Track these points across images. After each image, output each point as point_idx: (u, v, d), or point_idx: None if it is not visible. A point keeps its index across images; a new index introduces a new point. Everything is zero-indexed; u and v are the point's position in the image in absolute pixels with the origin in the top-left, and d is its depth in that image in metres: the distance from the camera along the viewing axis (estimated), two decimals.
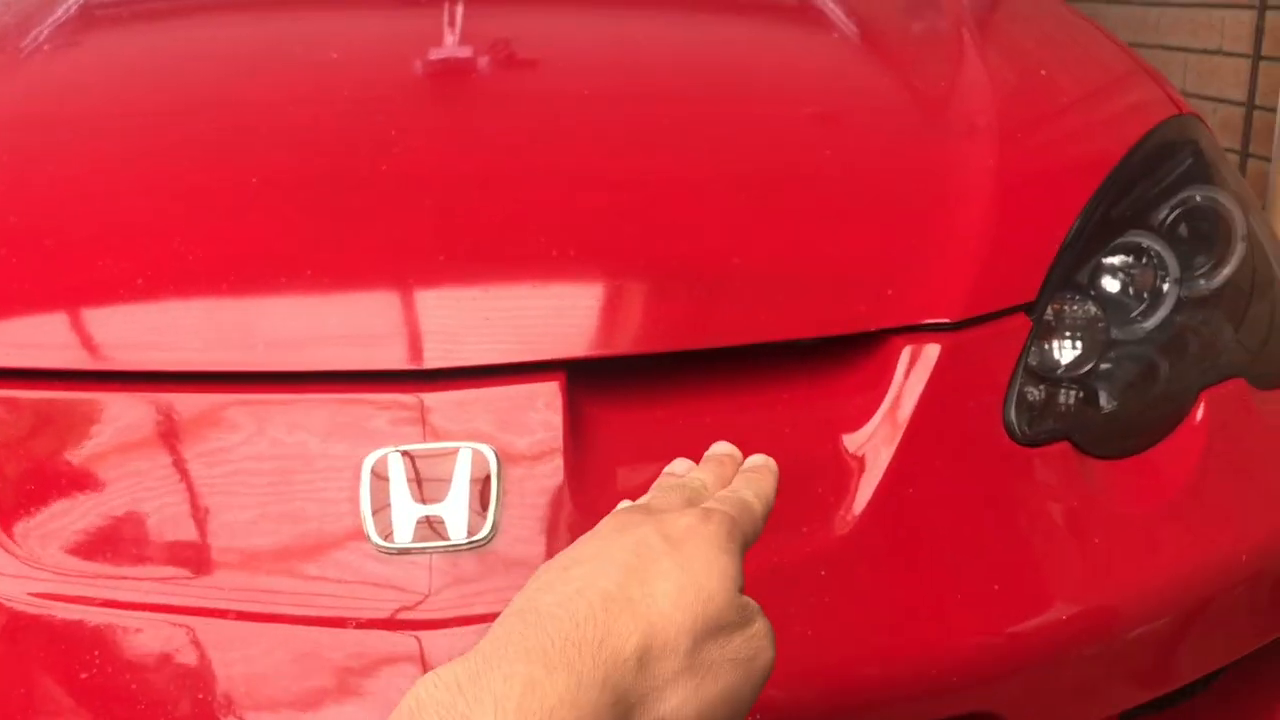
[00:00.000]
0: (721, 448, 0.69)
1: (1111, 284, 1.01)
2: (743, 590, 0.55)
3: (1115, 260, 1.01)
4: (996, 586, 0.83)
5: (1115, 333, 0.97)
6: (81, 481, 0.79)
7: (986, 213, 0.96)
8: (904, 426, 0.85)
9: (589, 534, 0.57)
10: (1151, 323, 0.99)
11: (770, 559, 0.80)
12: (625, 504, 0.63)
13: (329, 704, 0.72)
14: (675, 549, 0.54)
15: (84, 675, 0.73)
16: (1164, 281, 1.01)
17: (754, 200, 0.97)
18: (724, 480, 0.65)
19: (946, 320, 0.89)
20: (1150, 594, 0.87)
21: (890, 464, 0.84)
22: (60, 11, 1.36)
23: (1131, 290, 1.01)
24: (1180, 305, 1.00)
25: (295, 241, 0.88)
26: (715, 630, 0.52)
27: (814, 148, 1.05)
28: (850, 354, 0.89)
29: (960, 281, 0.91)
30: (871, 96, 1.17)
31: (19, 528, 0.77)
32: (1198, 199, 1.08)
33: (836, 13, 1.41)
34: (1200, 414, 0.95)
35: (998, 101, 1.13)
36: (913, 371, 0.88)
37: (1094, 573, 0.86)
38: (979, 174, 0.99)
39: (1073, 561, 0.86)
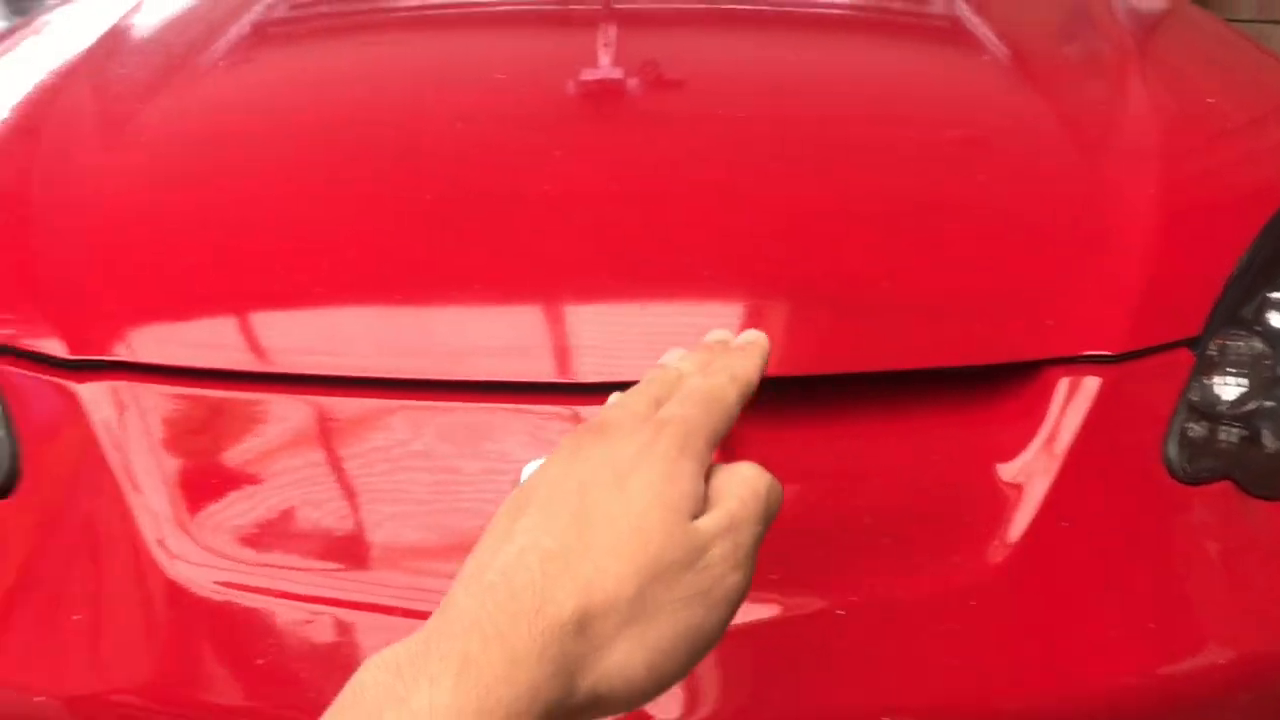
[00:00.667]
0: (716, 334, 0.67)
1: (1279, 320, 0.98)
2: (699, 503, 0.53)
3: None
4: (1151, 626, 0.81)
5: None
6: (259, 478, 0.84)
7: (1150, 243, 0.95)
8: (1060, 459, 0.84)
9: (548, 459, 0.55)
10: None
11: (919, 587, 0.80)
12: (613, 397, 0.61)
13: None
14: (620, 484, 0.51)
15: (260, 662, 0.77)
16: None
17: (907, 225, 0.97)
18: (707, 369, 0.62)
19: (1107, 353, 0.88)
20: None
21: (1045, 496, 0.83)
22: (234, 30, 1.43)
23: None
24: None
25: (463, 255, 0.92)
26: (659, 571, 0.49)
27: (969, 172, 1.04)
28: (1005, 384, 0.88)
29: (1122, 313, 0.90)
30: (1027, 121, 1.16)
31: (201, 518, 0.82)
32: None
33: (988, 35, 1.40)
34: None
35: (1160, 127, 1.11)
36: (1070, 404, 0.86)
37: (1253, 617, 0.84)
38: (1142, 203, 0.97)
39: (1231, 604, 0.84)
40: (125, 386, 0.86)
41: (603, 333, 0.88)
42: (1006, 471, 0.85)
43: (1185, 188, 1.01)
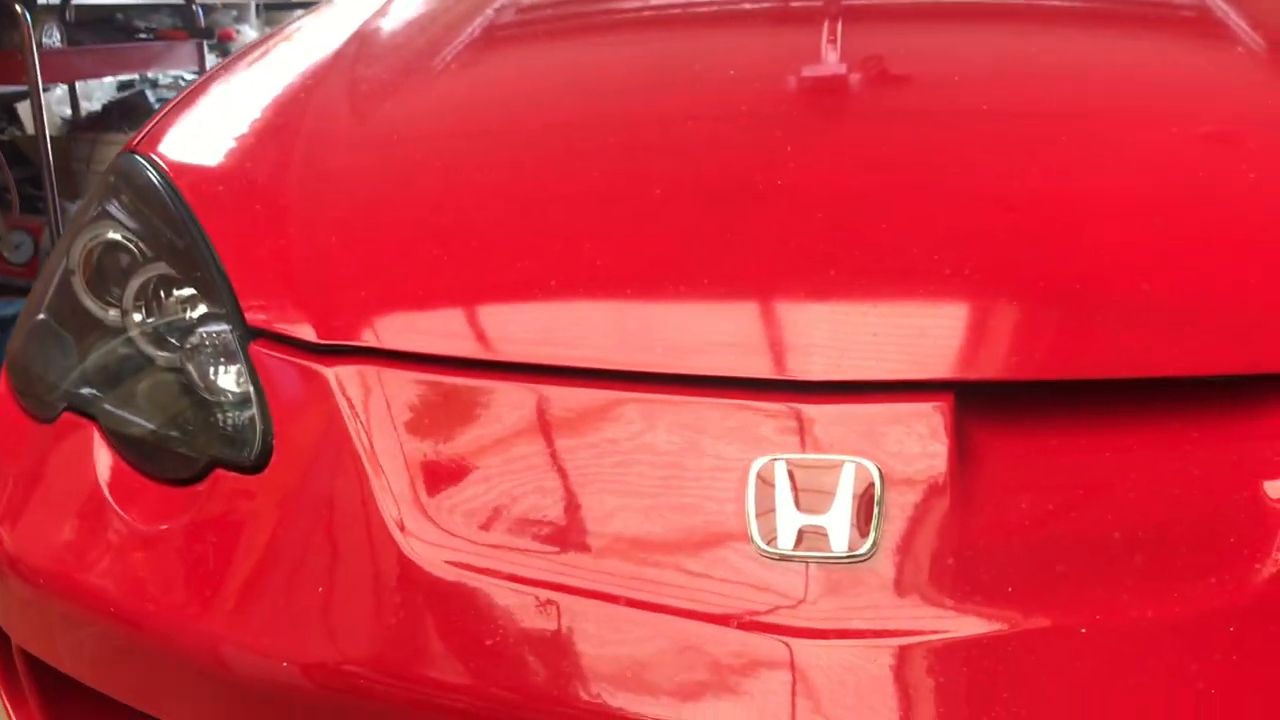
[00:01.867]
0: None
1: None
2: None
3: None
4: None
5: None
6: (492, 464, 0.86)
7: None
8: None
9: None
10: None
11: (1171, 608, 0.75)
12: None
13: (704, 698, 0.74)
14: None
15: (488, 642, 0.79)
16: None
17: (1163, 223, 0.91)
18: None
19: None
20: None
21: None
22: (466, 33, 1.48)
23: None
24: None
25: (693, 250, 0.92)
26: None
27: (1230, 167, 0.97)
28: (1272, 394, 0.82)
29: None
30: None
31: (437, 500, 0.85)
32: None
33: (1239, 23, 1.30)
34: None
35: None
36: None
37: None
38: None
39: None
40: (371, 371, 0.90)
41: (832, 330, 0.86)
42: (1273, 488, 0.78)
43: None
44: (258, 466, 0.90)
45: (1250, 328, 0.84)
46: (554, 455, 0.85)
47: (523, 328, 0.91)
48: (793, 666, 0.74)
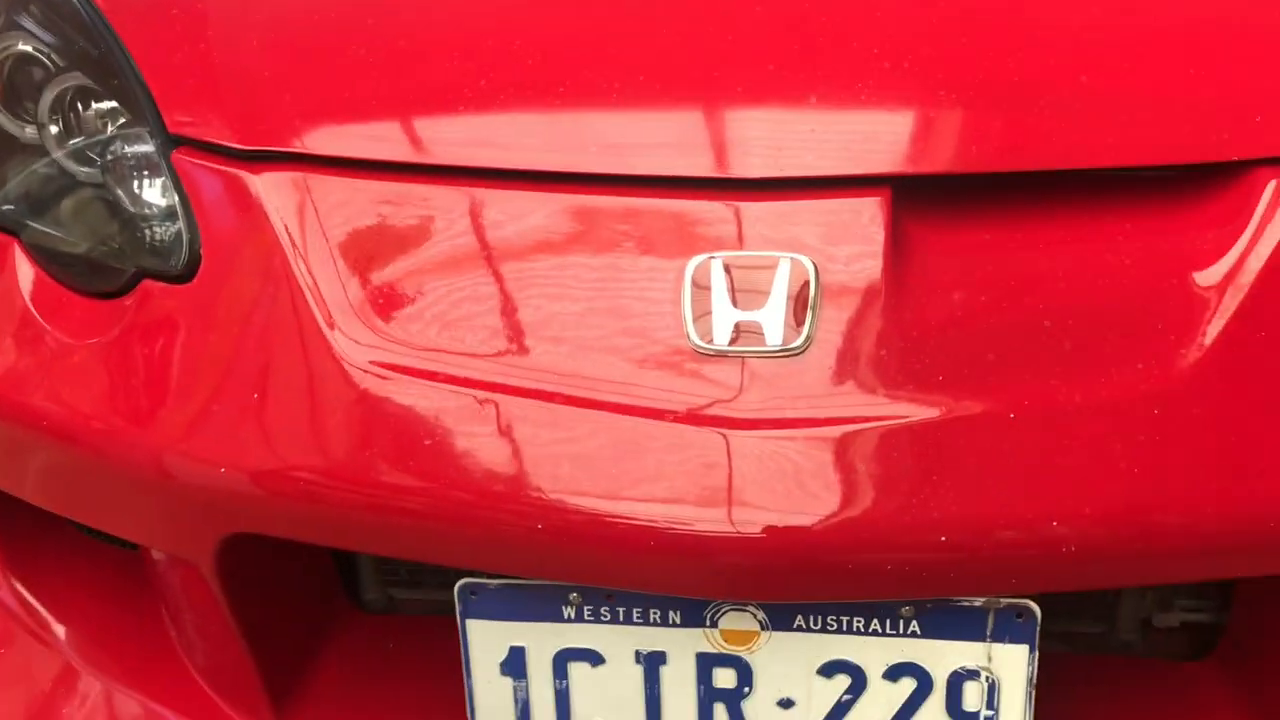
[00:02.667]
0: None
1: None
2: None
3: None
4: None
5: None
6: (422, 268, 0.85)
7: None
8: (1262, 266, 0.78)
9: None
10: None
11: (1098, 393, 0.76)
12: None
13: (642, 490, 0.75)
14: None
15: (427, 442, 0.79)
16: None
17: (1106, 16, 0.89)
18: None
19: None
20: None
21: (1241, 304, 0.77)
22: None
23: None
24: None
25: (627, 50, 0.89)
26: None
27: None
28: (1207, 185, 0.82)
29: None
30: None
31: (368, 304, 0.84)
32: None
33: None
34: None
35: None
36: (1279, 208, 0.80)
37: None
38: None
39: None
40: (299, 177, 0.87)
41: (769, 127, 0.84)
42: (1203, 278, 0.79)
43: None
44: (186, 276, 0.88)
45: (1181, 120, 0.83)
46: (489, 259, 0.84)
47: (454, 131, 0.89)
48: (729, 457, 0.75)
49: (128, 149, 0.94)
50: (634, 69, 0.88)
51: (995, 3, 0.91)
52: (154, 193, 0.94)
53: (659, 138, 0.85)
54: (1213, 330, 0.77)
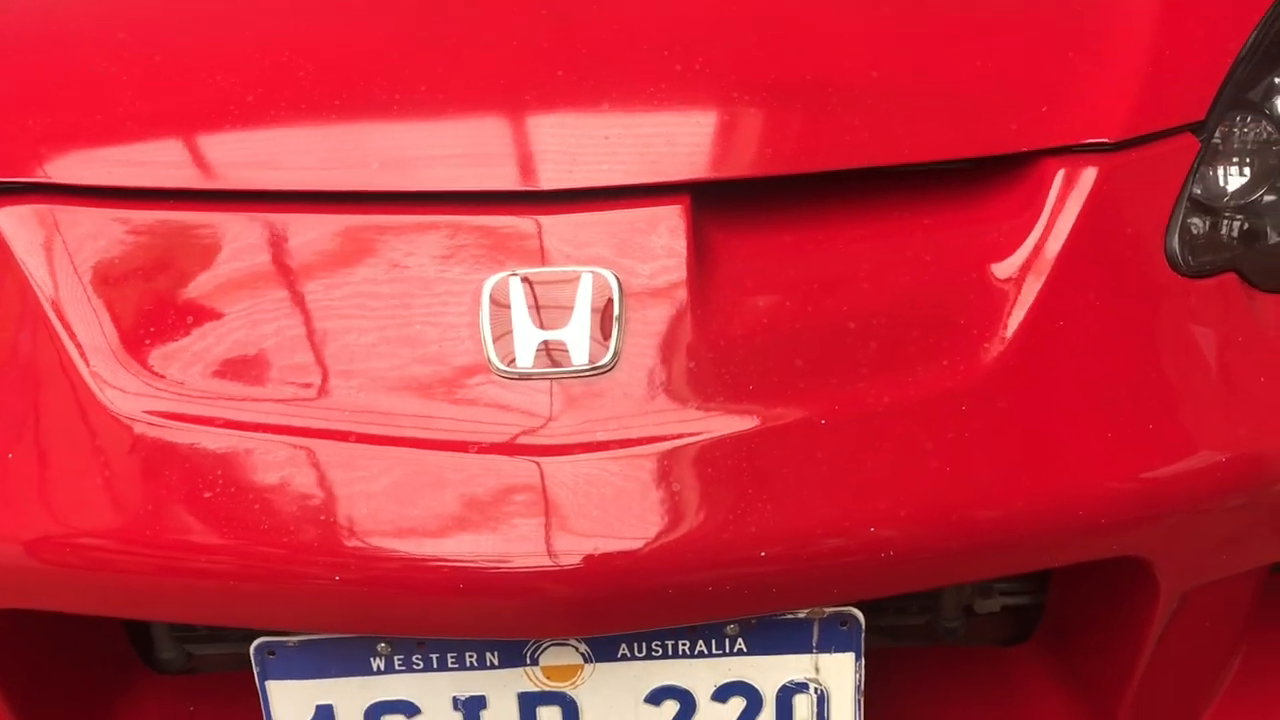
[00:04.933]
0: None
1: None
2: None
3: None
4: (1150, 426, 0.77)
5: None
6: (193, 303, 0.77)
7: (1153, 22, 0.87)
8: (1056, 255, 0.79)
9: None
10: None
11: (907, 393, 0.75)
12: None
13: (449, 529, 0.71)
14: None
15: (208, 495, 0.72)
16: None
17: (895, 9, 0.89)
18: None
19: (1106, 140, 0.81)
20: None
21: (1039, 295, 0.78)
22: None
23: None
24: None
25: (410, 58, 0.84)
26: None
27: None
28: (999, 177, 0.82)
29: (1122, 98, 0.83)
30: None
31: (133, 348, 0.76)
32: None
33: None
34: None
35: None
36: (1068, 196, 0.80)
37: (1254, 416, 0.80)
38: None
39: (1232, 403, 0.80)
40: (45, 210, 0.79)
41: (565, 137, 0.80)
42: (1000, 270, 0.79)
43: None
44: None
45: (971, 114, 0.84)
46: (268, 289, 0.77)
47: (222, 151, 0.81)
48: (541, 486, 0.71)
49: None
50: (416, 78, 0.83)
51: (781, 2, 0.90)
52: None
53: (447, 151, 0.80)
54: (1012, 322, 0.78)
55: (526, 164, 0.79)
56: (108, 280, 0.78)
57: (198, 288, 0.78)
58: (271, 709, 0.79)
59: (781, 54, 0.85)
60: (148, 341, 0.76)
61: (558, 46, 0.84)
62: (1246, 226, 0.85)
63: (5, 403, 0.77)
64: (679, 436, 0.73)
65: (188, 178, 0.80)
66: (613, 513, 0.71)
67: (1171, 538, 0.79)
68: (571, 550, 0.70)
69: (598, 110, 0.82)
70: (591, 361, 0.74)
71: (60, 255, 0.78)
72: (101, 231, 0.78)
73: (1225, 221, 0.85)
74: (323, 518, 0.71)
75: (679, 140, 0.81)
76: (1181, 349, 0.80)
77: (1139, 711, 0.88)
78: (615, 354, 0.74)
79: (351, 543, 0.71)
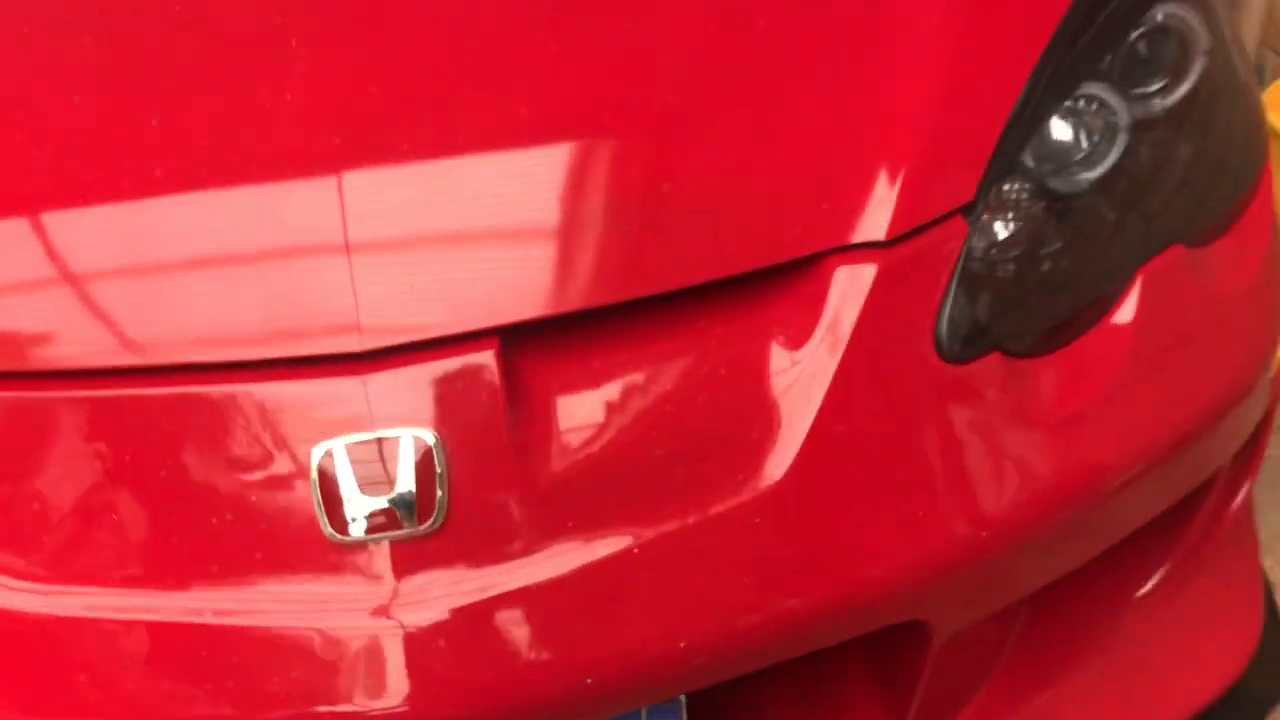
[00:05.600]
0: None
1: (1057, 147, 0.97)
2: None
3: (1062, 123, 0.97)
4: (923, 511, 0.87)
5: (1055, 222, 0.95)
6: (24, 491, 0.81)
7: (923, 109, 0.92)
8: (838, 356, 0.86)
9: None
10: (1088, 196, 0.96)
11: (707, 513, 0.83)
12: None
13: (308, 704, 0.79)
14: None
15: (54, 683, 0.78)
16: (1111, 142, 0.98)
17: (668, 123, 0.91)
18: None
19: (879, 239, 0.88)
20: (1069, 491, 0.92)
21: (824, 400, 0.85)
22: None
23: (1076, 156, 0.98)
24: (1116, 173, 0.97)
25: (195, 211, 0.85)
26: None
27: (727, 57, 0.96)
28: (785, 282, 0.88)
29: (894, 192, 0.89)
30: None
31: None
32: (1159, 17, 1.02)
33: None
34: (1135, 295, 0.96)
35: None
36: (847, 297, 0.87)
37: (1017, 479, 0.90)
38: (903, 69, 0.93)
39: (999, 472, 0.90)
40: None
41: (368, 290, 0.83)
42: (785, 377, 0.86)
43: (947, 43, 0.96)
44: None
45: (757, 223, 0.89)
46: (94, 474, 0.81)
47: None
48: (382, 654, 0.79)
49: None
50: (206, 236, 0.85)
51: (558, 122, 0.91)
52: None
53: (246, 317, 0.83)
54: (798, 429, 0.85)
55: (331, 326, 0.82)
56: None
57: (14, 475, 0.81)
58: None
59: (565, 183, 0.88)
60: None
61: (346, 192, 0.85)
62: (1005, 297, 0.93)
63: None
64: (509, 587, 0.80)
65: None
66: (454, 671, 0.79)
67: (946, 596, 0.91)
68: (415, 701, 0.79)
69: (397, 258, 0.85)
70: (420, 523, 0.80)
71: None
72: None
73: (986, 299, 0.92)
74: (181, 708, 0.78)
75: (479, 284, 0.85)
76: (949, 435, 0.89)
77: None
78: (442, 513, 0.81)
79: None
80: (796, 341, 0.87)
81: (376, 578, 0.80)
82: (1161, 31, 1.02)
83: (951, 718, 1.07)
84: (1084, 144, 0.98)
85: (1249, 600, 1.22)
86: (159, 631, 0.79)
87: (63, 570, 0.80)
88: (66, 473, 0.81)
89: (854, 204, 0.88)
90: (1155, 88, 1.01)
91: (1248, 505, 1.21)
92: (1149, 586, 1.13)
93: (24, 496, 0.81)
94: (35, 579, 0.80)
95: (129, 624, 0.79)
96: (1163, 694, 1.15)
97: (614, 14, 0.98)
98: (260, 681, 0.78)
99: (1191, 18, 1.03)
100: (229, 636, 0.79)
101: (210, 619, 0.79)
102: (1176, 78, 1.02)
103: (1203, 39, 1.02)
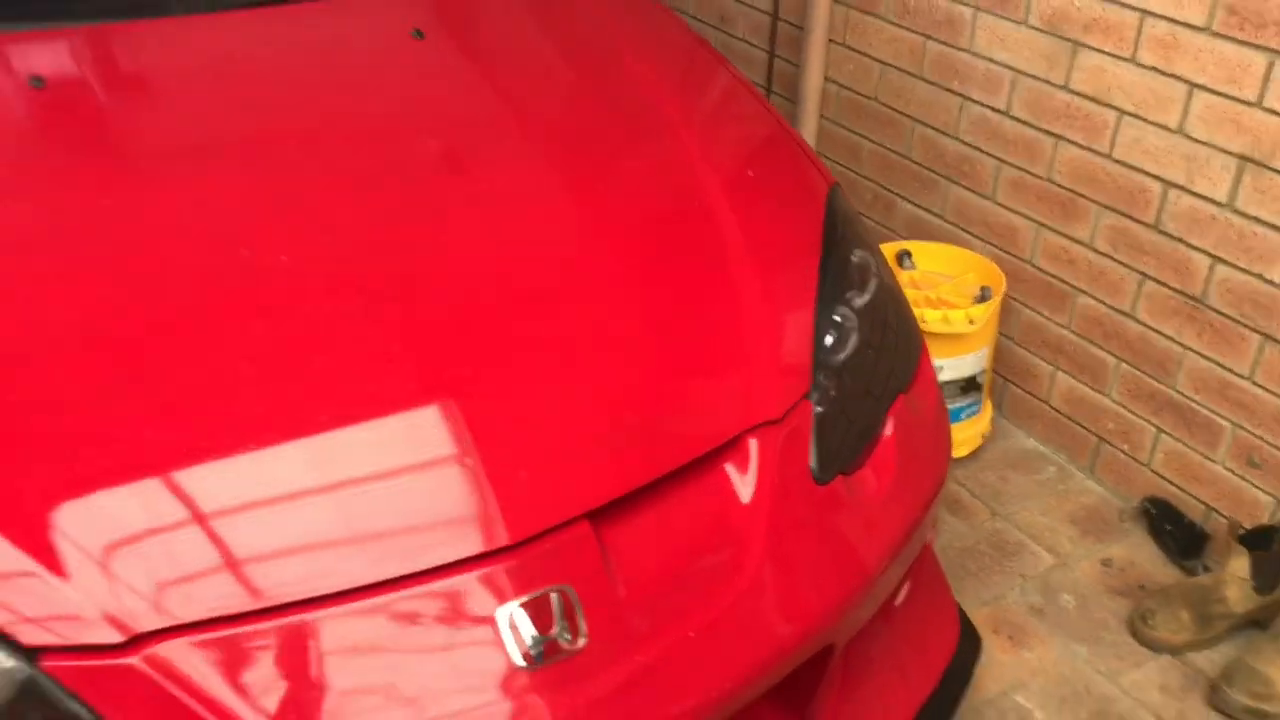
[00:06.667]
0: None
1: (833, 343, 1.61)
2: None
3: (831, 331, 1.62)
4: (837, 568, 1.44)
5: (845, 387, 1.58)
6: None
7: (771, 334, 1.52)
8: (769, 491, 1.42)
9: None
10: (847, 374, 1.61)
11: (720, 600, 1.35)
12: None
13: None
14: None
15: None
16: (850, 337, 1.63)
17: (614, 360, 1.45)
18: None
19: (776, 417, 1.45)
20: (897, 539, 1.53)
21: (768, 514, 1.41)
22: None
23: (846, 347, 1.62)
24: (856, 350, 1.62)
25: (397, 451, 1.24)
26: None
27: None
28: (725, 453, 1.43)
29: (773, 389, 1.48)
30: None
31: None
32: (854, 259, 1.71)
33: None
34: (891, 425, 1.61)
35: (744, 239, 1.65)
36: (765, 455, 1.43)
37: (875, 540, 1.50)
38: (757, 303, 1.55)
39: (866, 538, 1.49)
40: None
41: (502, 495, 1.26)
42: (744, 506, 1.40)
43: (776, 290, 1.58)
44: None
45: (693, 420, 1.44)
46: (340, 678, 1.16)
47: (261, 573, 1.17)
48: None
49: None
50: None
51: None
52: None
53: (434, 529, 1.23)
54: (760, 531, 1.40)
55: (490, 527, 1.24)
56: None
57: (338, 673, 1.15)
58: None
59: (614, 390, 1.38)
60: None
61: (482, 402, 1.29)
62: (836, 439, 1.53)
63: None
64: (632, 669, 1.26)
65: (243, 602, 1.15)
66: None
67: (844, 627, 1.49)
68: None
69: (499, 479, 1.29)
70: (573, 646, 1.24)
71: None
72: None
73: (829, 442, 1.52)
74: None
75: (564, 484, 1.31)
76: (833, 522, 1.47)
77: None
78: (586, 638, 1.25)
79: None
80: (744, 487, 1.42)
81: (554, 687, 1.22)
82: (855, 266, 1.71)
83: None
84: (845, 339, 1.62)
85: (949, 604, 1.92)
86: None
87: None
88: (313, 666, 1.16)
89: (752, 400, 1.46)
90: (855, 295, 1.69)
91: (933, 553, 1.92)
92: (899, 599, 1.79)
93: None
94: None
95: None
96: (918, 662, 1.80)
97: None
98: None
99: (869, 257, 1.73)
100: None
101: None
102: (864, 289, 1.71)
103: (875, 268, 1.72)
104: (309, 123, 1.66)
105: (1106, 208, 2.45)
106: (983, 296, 2.60)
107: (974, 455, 2.67)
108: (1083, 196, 2.49)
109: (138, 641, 1.10)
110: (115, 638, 1.09)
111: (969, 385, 2.57)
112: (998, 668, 2.11)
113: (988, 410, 2.70)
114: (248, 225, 1.46)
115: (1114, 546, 2.43)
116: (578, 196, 1.67)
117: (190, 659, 1.11)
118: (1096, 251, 2.50)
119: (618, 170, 1.74)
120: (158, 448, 1.20)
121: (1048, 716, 2.02)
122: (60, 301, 1.31)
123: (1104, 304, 2.51)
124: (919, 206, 2.92)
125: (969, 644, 1.90)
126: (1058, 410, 2.68)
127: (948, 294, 2.60)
